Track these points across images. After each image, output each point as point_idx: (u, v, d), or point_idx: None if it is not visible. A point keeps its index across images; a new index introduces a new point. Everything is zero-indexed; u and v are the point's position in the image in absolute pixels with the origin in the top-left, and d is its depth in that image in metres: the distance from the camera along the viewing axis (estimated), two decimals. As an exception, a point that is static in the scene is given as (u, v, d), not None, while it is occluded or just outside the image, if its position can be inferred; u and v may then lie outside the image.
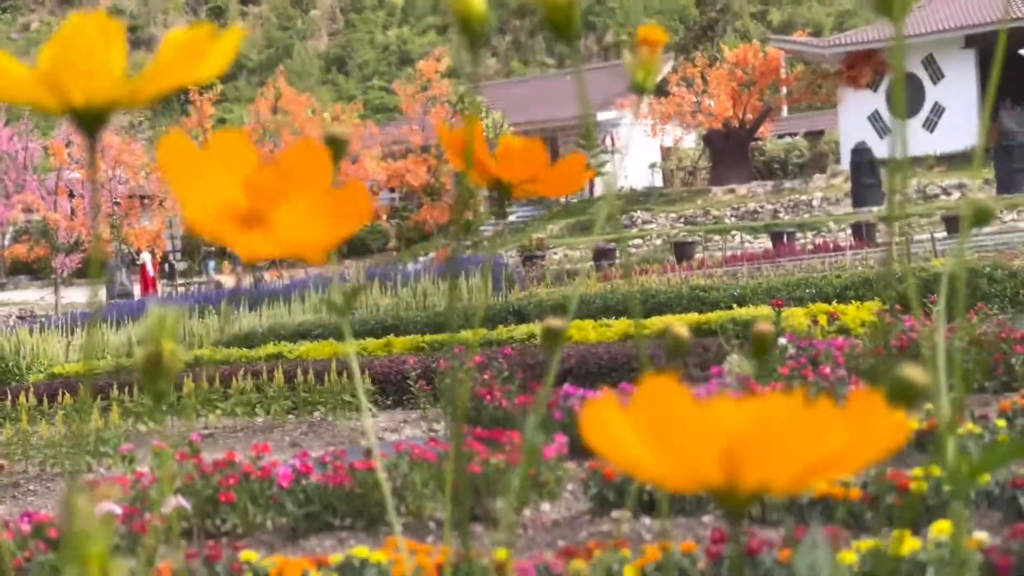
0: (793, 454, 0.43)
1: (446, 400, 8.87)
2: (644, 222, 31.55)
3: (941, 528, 4.58)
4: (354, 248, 34.80)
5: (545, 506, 6.45)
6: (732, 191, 33.19)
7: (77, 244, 28.85)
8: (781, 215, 29.89)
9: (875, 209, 26.56)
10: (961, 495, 0.58)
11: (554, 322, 0.86)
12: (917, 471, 5.63)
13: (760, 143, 37.71)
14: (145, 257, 29.73)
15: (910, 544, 4.15)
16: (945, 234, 21.05)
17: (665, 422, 0.43)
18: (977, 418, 6.89)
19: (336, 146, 0.74)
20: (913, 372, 0.57)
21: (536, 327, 12.92)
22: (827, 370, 7.86)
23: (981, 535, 4.53)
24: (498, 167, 0.81)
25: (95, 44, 0.54)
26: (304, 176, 0.60)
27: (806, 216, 29.01)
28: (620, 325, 12.00)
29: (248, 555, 5.13)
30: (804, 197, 30.75)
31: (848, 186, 29.06)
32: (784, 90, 36.41)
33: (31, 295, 32.04)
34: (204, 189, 0.59)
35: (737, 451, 0.43)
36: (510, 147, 0.80)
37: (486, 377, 8.76)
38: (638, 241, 28.69)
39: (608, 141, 39.16)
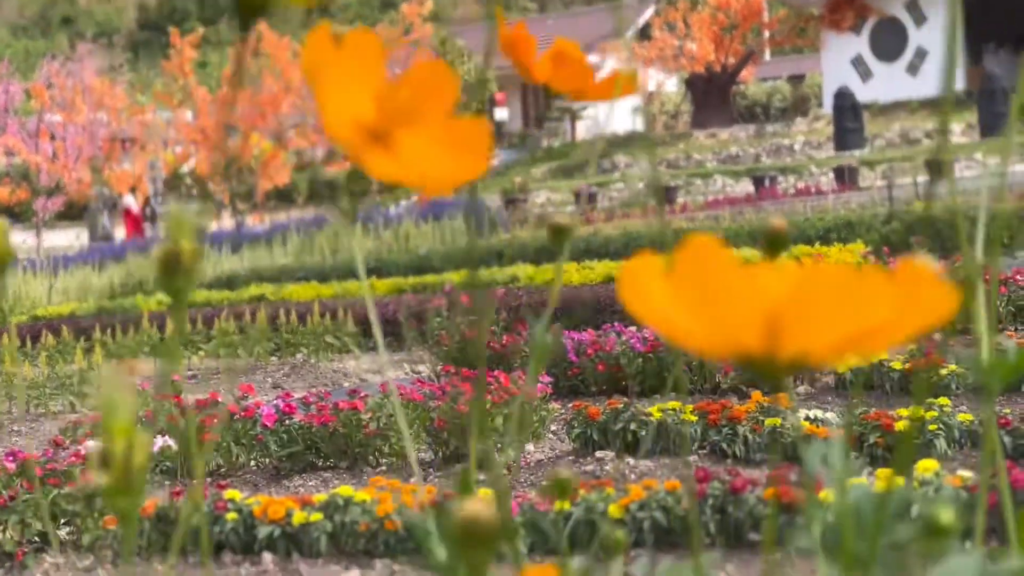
0: (837, 321, 0.41)
1: (431, 340, 8.86)
2: (626, 165, 31.47)
3: (926, 467, 4.59)
4: (337, 192, 34.60)
5: (529, 447, 6.46)
6: (714, 135, 33.10)
7: (58, 187, 28.67)
8: (763, 159, 29.84)
9: (857, 153, 26.54)
10: (992, 391, 0.56)
11: (561, 218, 0.84)
12: (902, 411, 5.65)
13: (742, 87, 37.60)
14: (129, 200, 29.60)
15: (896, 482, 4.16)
16: (927, 178, 21.03)
17: (706, 285, 0.41)
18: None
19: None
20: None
21: (519, 268, 12.90)
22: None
23: (966, 473, 4.54)
24: (544, 71, 0.81)
25: None
26: (429, 97, 0.57)
27: (788, 160, 28.96)
28: (603, 267, 11.99)
29: (232, 493, 5.13)
30: (786, 141, 30.69)
31: (830, 130, 29.00)
32: (766, 34, 36.26)
33: (13, 238, 31.78)
34: (341, 98, 0.56)
35: (780, 316, 0.41)
36: (558, 52, 0.80)
37: (473, 318, 8.74)
38: (620, 185, 28.63)
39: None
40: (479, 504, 0.46)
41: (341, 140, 0.57)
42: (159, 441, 6.15)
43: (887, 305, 0.41)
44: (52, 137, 29.49)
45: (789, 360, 0.42)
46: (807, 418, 5.84)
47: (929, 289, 0.41)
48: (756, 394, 6.22)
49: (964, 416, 5.59)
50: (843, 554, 0.48)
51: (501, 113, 37.63)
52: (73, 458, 5.39)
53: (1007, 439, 5.26)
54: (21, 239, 27.87)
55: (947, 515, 0.50)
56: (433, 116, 0.57)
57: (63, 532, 5.23)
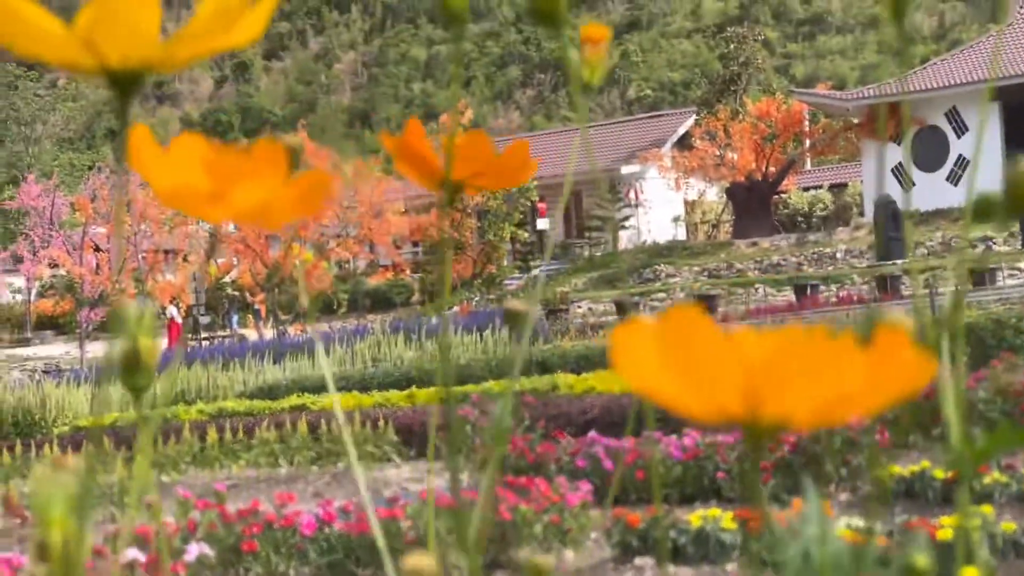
0: (814, 387, 0.43)
1: (467, 448, 8.85)
2: (668, 275, 31.52)
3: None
4: (378, 302, 34.87)
5: (568, 554, 6.42)
6: (755, 244, 33.14)
7: (102, 298, 28.97)
8: (805, 268, 29.83)
9: (899, 261, 26.50)
10: (966, 479, 0.57)
11: (517, 304, 0.87)
12: (945, 519, 5.59)
13: (783, 196, 37.69)
14: (172, 311, 29.79)
15: None
16: (968, 287, 20.95)
17: (690, 350, 0.43)
18: (1003, 467, 6.84)
19: (292, 154, 0.73)
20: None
21: (560, 377, 12.90)
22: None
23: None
24: (452, 167, 0.80)
25: (132, 3, 0.55)
26: (263, 164, 0.62)
27: (830, 269, 28.94)
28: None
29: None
30: (828, 250, 30.69)
31: (872, 238, 29.01)
32: (807, 143, 36.43)
33: (57, 349, 32.17)
34: (170, 173, 0.63)
35: (758, 382, 0.43)
36: (454, 144, 0.79)
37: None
38: (662, 295, 28.65)
39: (632, 195, 39.20)
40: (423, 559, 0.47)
41: (170, 203, 0.63)
42: (194, 549, 6.15)
43: (862, 372, 0.43)
44: (96, 249, 29.84)
45: (770, 423, 0.44)
46: (848, 526, 5.79)
47: (905, 358, 0.43)
48: (797, 501, 6.18)
49: (1008, 525, 5.53)
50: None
51: (543, 223, 37.82)
52: (115, 568, 5.39)
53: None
54: (64, 350, 28.07)
55: (923, 560, 0.52)
56: (268, 175, 0.62)
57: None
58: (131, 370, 0.65)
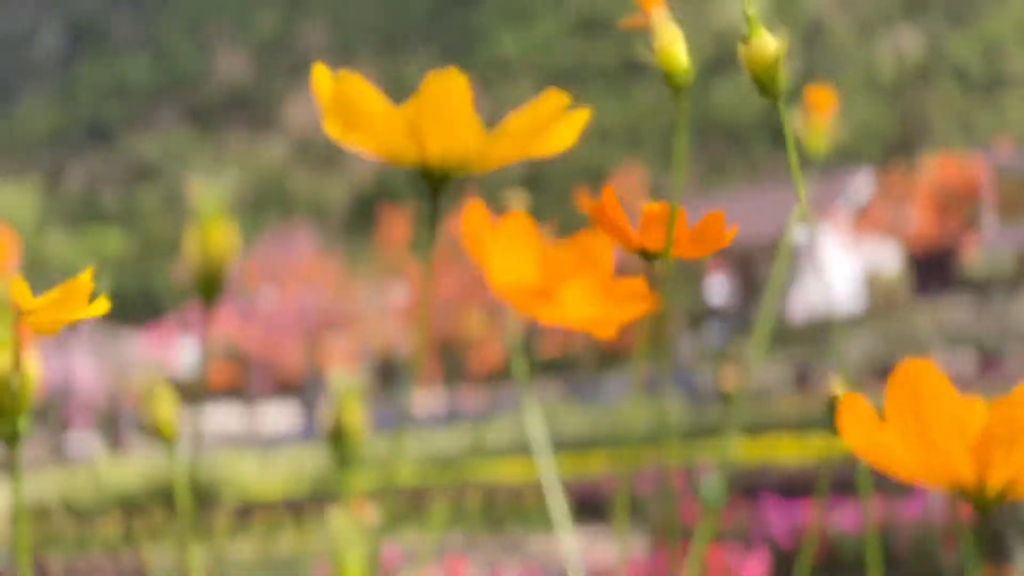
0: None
1: (644, 518, 8.77)
2: (843, 339, 31.02)
3: None
4: (552, 366, 34.97)
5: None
6: (935, 309, 32.44)
7: (271, 365, 29.49)
8: (987, 335, 29.08)
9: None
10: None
11: (729, 374, 0.83)
12: None
13: (964, 259, 36.88)
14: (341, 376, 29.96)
15: None
16: None
17: (919, 411, 0.40)
18: None
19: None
20: None
21: (732, 443, 12.72)
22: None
23: None
24: (640, 234, 0.80)
25: (457, 96, 0.57)
26: (587, 262, 0.63)
27: (1014, 336, 28.16)
28: (818, 442, 11.75)
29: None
30: (1012, 316, 29.88)
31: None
32: (990, 203, 35.64)
33: (226, 417, 32.80)
34: (501, 261, 0.63)
35: (989, 447, 0.39)
36: (650, 212, 0.79)
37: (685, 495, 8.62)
38: (837, 359, 28.18)
39: (806, 256, 38.77)
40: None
41: (505, 297, 0.64)
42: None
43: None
44: (265, 315, 30.40)
45: (997, 491, 0.40)
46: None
47: None
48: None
49: None
50: None
51: (714, 286, 37.60)
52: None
53: None
54: (234, 418, 28.61)
55: None
56: (593, 274, 0.63)
57: None
58: (337, 440, 0.67)
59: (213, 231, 0.66)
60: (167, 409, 0.85)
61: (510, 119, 0.59)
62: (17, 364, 0.60)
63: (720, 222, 0.79)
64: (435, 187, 0.62)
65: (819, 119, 0.85)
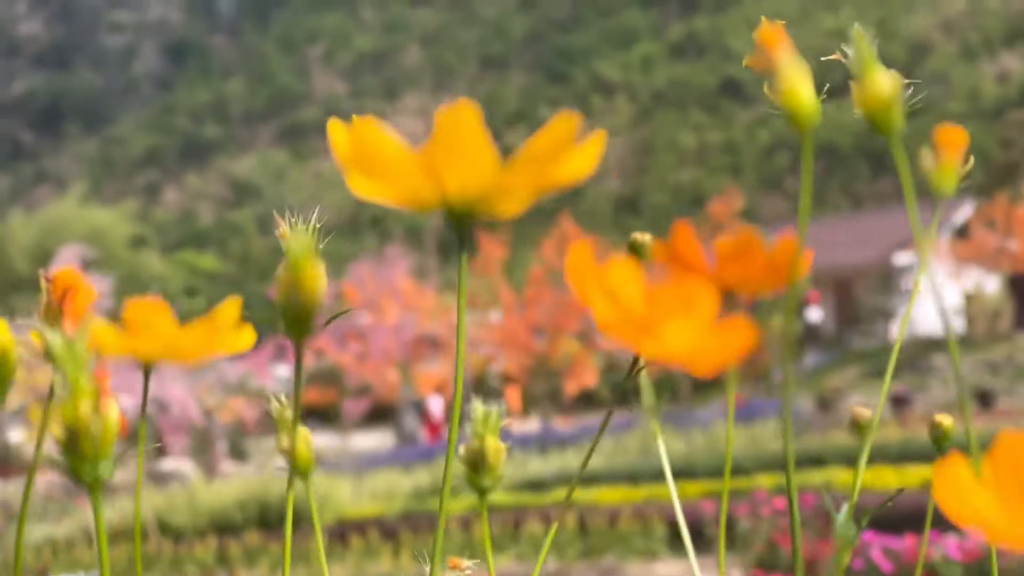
0: None
1: (741, 545, 8.70)
2: (943, 368, 30.52)
3: None
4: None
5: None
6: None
7: (366, 388, 29.54)
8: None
9: None
10: None
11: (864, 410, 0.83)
12: None
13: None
14: (432, 404, 29.44)
15: None
16: None
17: (1020, 482, 0.39)
18: None
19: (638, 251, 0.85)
20: None
21: (833, 472, 12.56)
22: None
23: None
24: (718, 271, 0.77)
25: (469, 126, 0.57)
26: (688, 303, 0.63)
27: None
28: (919, 472, 11.56)
29: None
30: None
31: None
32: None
33: (321, 439, 32.95)
34: (605, 297, 0.63)
35: None
36: (724, 248, 0.76)
37: (782, 523, 8.55)
38: (938, 388, 27.73)
39: (907, 285, 38.24)
40: None
41: (608, 331, 0.63)
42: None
43: None
44: (361, 338, 30.46)
45: None
46: None
47: None
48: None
49: None
50: None
51: (813, 313, 37.20)
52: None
53: None
54: (328, 441, 28.72)
55: None
56: (695, 315, 0.62)
57: None
58: (476, 467, 0.68)
59: (303, 272, 0.66)
60: (304, 444, 0.88)
61: (524, 146, 0.58)
62: (97, 410, 0.59)
63: (794, 248, 0.76)
64: (460, 227, 0.61)
65: (949, 159, 0.83)
